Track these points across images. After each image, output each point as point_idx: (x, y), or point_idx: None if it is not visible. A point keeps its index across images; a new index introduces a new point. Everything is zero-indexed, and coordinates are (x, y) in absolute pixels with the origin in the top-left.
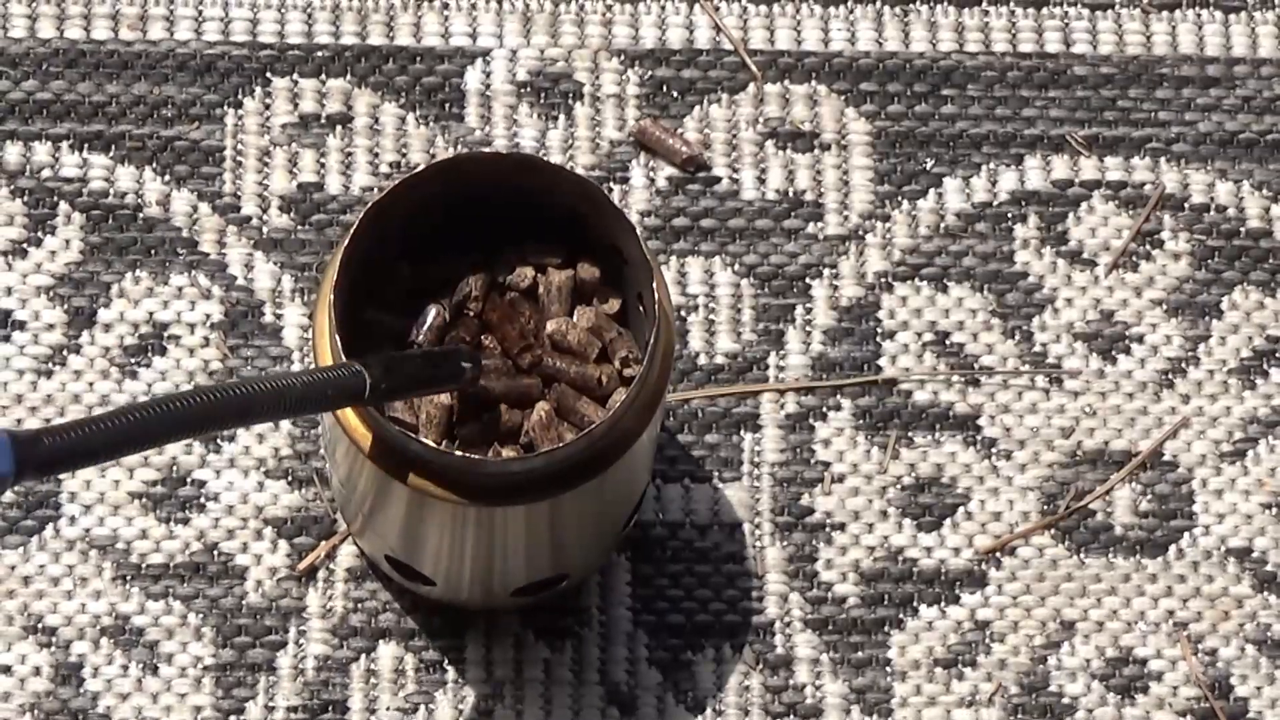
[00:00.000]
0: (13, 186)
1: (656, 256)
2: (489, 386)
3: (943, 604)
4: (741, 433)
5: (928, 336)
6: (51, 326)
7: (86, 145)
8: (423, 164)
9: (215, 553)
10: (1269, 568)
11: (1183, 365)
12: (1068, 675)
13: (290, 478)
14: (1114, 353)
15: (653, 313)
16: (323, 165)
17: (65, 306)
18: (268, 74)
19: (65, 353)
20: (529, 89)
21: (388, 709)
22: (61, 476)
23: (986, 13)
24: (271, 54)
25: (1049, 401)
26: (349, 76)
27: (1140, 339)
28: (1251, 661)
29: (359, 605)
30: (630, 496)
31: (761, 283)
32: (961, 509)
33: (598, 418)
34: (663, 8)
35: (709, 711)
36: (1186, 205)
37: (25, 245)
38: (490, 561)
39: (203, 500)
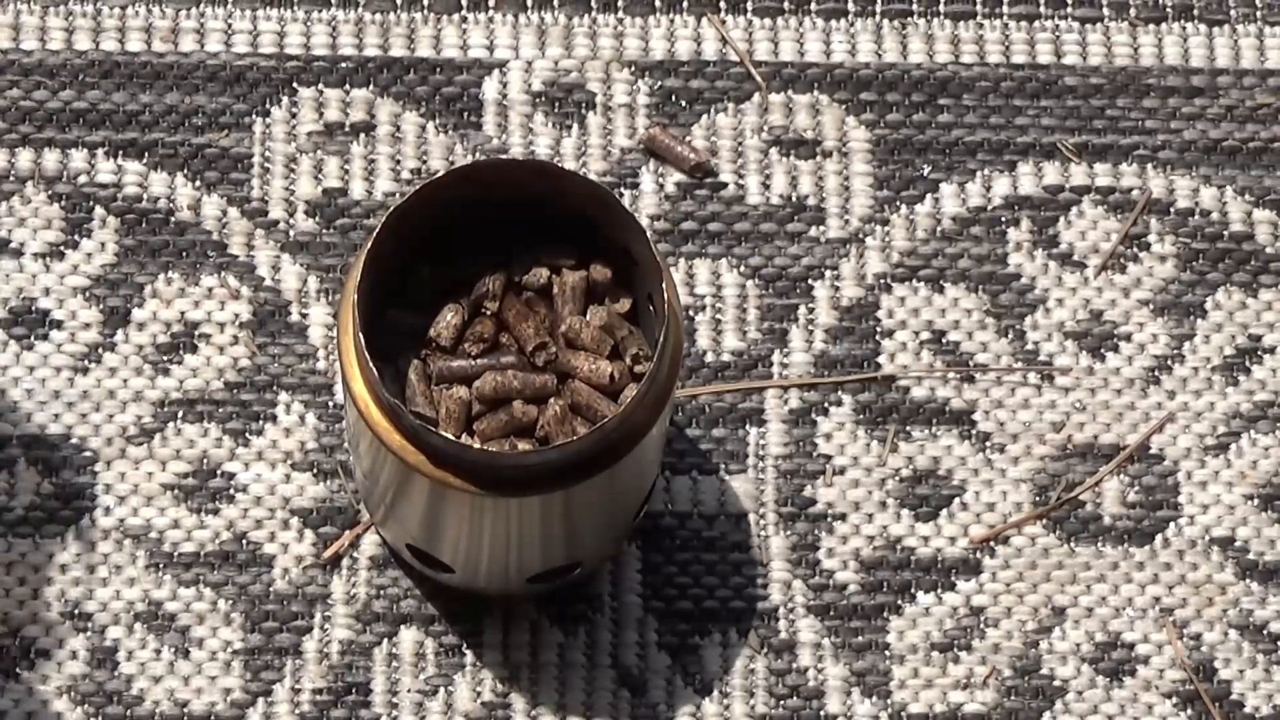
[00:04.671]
0: (50, 192)
1: (666, 258)
2: (506, 382)
3: (939, 591)
4: (747, 427)
5: (925, 335)
6: (87, 325)
7: (121, 152)
8: (442, 170)
9: (244, 542)
10: (1251, 556)
11: (1169, 362)
12: (1059, 659)
13: (316, 470)
14: (1103, 350)
15: (662, 312)
16: (347, 171)
17: (101, 306)
18: (294, 84)
19: (101, 350)
20: (544, 99)
21: (409, 691)
22: (97, 469)
23: (981, 25)
24: (298, 65)
25: (1041, 397)
26: (372, 86)
27: (1128, 337)
28: (1234, 646)
29: (381, 592)
30: (640, 488)
31: (766, 283)
32: (957, 500)
33: (609, 413)
34: (672, 21)
35: (716, 694)
36: (1172, 210)
37: (62, 248)
38: (507, 550)
39: (232, 492)
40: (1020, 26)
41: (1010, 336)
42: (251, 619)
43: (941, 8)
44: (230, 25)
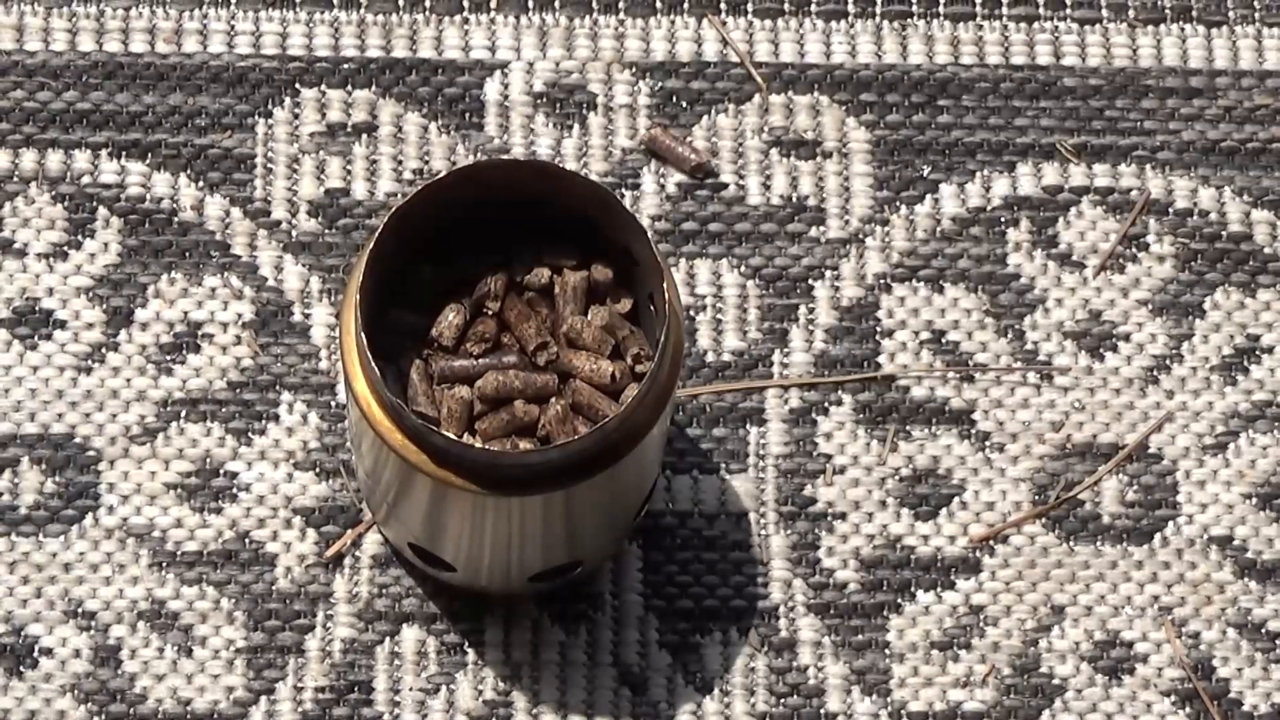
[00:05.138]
0: (54, 192)
1: (666, 258)
2: (508, 382)
3: (939, 589)
4: (747, 426)
5: (925, 335)
6: (91, 325)
7: (124, 153)
8: (444, 171)
9: (247, 541)
10: (1249, 555)
11: (1167, 362)
12: (1058, 657)
13: (318, 469)
14: (1102, 350)
15: (663, 312)
16: (349, 172)
17: (104, 306)
18: (297, 85)
19: (104, 350)
20: (545, 99)
21: (411, 689)
22: (100, 468)
23: (980, 27)
24: (300, 66)
25: (1040, 397)
26: (374, 87)
27: (1127, 337)
28: (1233, 644)
29: (383, 590)
30: (641, 487)
31: (766, 284)
32: (957, 499)
33: (610, 412)
34: (673, 22)
35: (716, 692)
36: (1171, 210)
37: (66, 248)
38: (508, 549)
39: (235, 491)
40: (1019, 28)
41: (1009, 336)
42: (254, 617)
43: (941, 9)
44: (233, 26)
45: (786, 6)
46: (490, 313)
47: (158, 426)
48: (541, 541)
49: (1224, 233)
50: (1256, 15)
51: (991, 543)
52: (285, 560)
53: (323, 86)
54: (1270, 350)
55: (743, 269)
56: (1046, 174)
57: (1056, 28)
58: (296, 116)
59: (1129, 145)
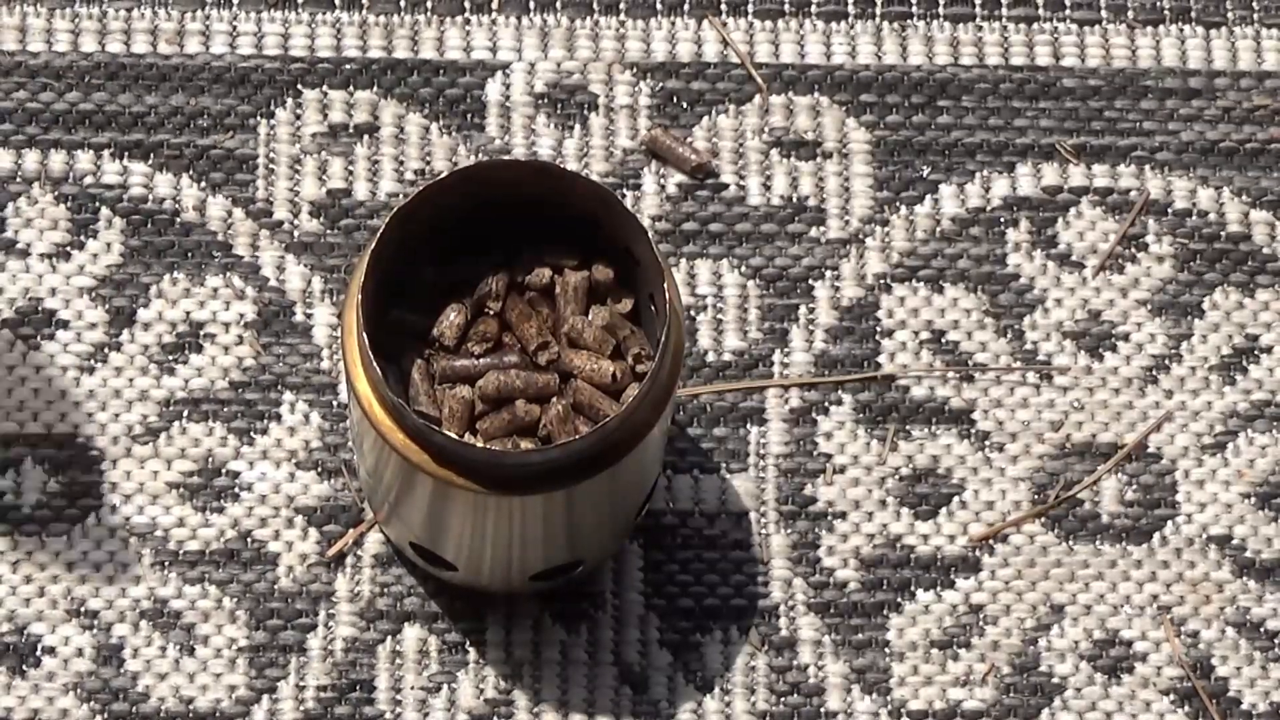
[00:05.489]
0: (57, 193)
1: (667, 259)
2: (509, 382)
3: (939, 589)
4: (748, 426)
5: (924, 335)
6: (94, 325)
7: (126, 153)
8: (446, 171)
9: (249, 540)
10: (1248, 554)
11: (1166, 362)
12: (1057, 656)
13: (320, 469)
14: (1101, 350)
15: (664, 312)
16: (351, 172)
17: (106, 306)
18: (298, 86)
19: (107, 350)
20: (546, 100)
21: (412, 688)
22: (103, 467)
23: (980, 28)
24: (302, 67)
25: (1039, 396)
26: (375, 88)
27: (1126, 337)
28: (1231, 643)
29: (385, 590)
30: (642, 486)
31: (767, 284)
32: (956, 498)
33: (611, 412)
34: (673, 23)
35: (717, 690)
36: (1170, 210)
37: (69, 248)
38: (509, 548)
39: (237, 490)
40: (1019, 29)
41: (1009, 336)
42: (256, 616)
43: (941, 10)
44: (235, 27)
45: (787, 7)
46: (491, 312)
47: (160, 426)
48: (543, 541)
49: (1223, 233)
50: (1255, 16)
51: (991, 542)
52: (287, 559)
53: (325, 87)
54: (1269, 350)
55: (743, 269)
56: (1046, 174)
57: (1056, 29)
58: (298, 117)
59: (1128, 146)
